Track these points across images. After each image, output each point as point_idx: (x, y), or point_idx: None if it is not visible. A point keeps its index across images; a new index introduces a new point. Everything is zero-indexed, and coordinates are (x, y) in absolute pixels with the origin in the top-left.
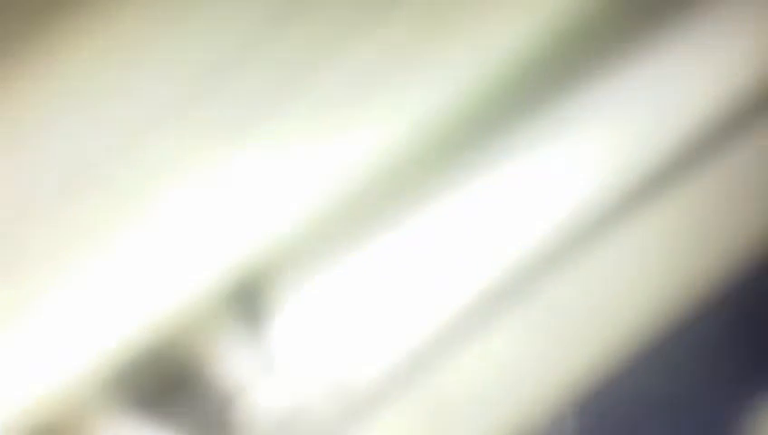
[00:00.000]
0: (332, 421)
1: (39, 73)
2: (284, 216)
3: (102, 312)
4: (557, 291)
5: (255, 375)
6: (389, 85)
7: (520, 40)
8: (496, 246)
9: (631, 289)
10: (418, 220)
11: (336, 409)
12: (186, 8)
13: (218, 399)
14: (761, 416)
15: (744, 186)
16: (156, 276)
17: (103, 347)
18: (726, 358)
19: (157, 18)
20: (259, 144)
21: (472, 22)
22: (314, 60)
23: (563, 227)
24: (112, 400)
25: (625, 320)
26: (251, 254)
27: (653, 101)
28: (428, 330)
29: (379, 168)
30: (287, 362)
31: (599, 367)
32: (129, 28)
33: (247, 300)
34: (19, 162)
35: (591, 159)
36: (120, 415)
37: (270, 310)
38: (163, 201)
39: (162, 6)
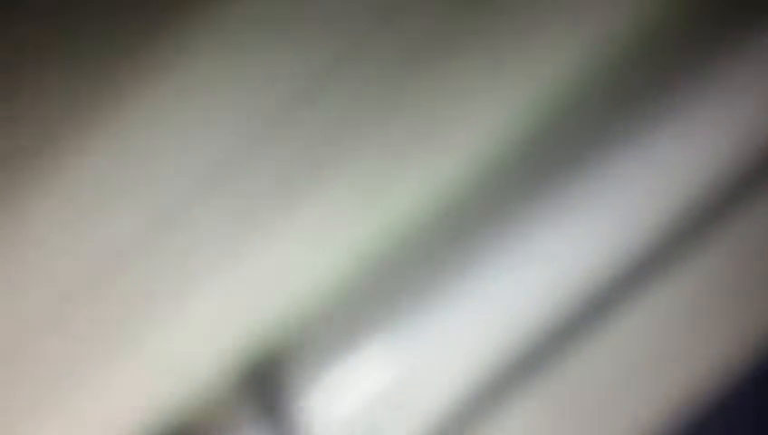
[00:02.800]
0: None
1: (50, 176)
2: (303, 294)
3: (119, 399)
4: (576, 367)
5: None
6: (410, 158)
7: (532, 110)
8: (512, 320)
9: (653, 367)
10: (440, 297)
11: None
12: (206, 90)
13: None
14: None
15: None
16: (175, 358)
17: (123, 431)
18: None
19: (172, 110)
20: (278, 225)
21: (476, 104)
22: (337, 135)
23: (583, 300)
24: None
25: (645, 398)
26: (269, 334)
27: (666, 170)
28: (450, 406)
29: (401, 244)
30: None
31: None
32: (146, 121)
33: (266, 380)
34: (37, 259)
35: (611, 231)
36: None
37: (290, 390)
38: (183, 285)
39: (178, 99)
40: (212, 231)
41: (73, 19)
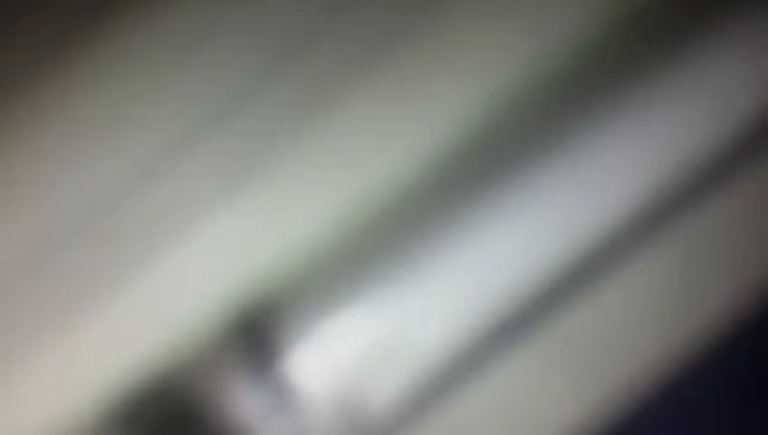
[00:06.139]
0: None
1: (33, 124)
2: (291, 248)
3: (106, 350)
4: (572, 324)
5: (264, 413)
6: (395, 120)
7: (515, 79)
8: (506, 278)
9: (648, 325)
10: (428, 251)
11: None
12: (180, 53)
13: None
14: None
15: (757, 216)
16: (159, 310)
17: (107, 385)
18: (745, 396)
19: (147, 69)
20: (266, 178)
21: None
22: (320, 96)
23: (576, 256)
24: None
25: (641, 356)
26: (258, 287)
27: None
28: (439, 363)
29: (390, 198)
30: (297, 398)
31: (614, 405)
32: (123, 77)
33: (255, 334)
34: (16, 210)
35: (603, 186)
36: None
37: (278, 345)
38: (171, 235)
39: (154, 59)
40: (202, 182)
41: None
